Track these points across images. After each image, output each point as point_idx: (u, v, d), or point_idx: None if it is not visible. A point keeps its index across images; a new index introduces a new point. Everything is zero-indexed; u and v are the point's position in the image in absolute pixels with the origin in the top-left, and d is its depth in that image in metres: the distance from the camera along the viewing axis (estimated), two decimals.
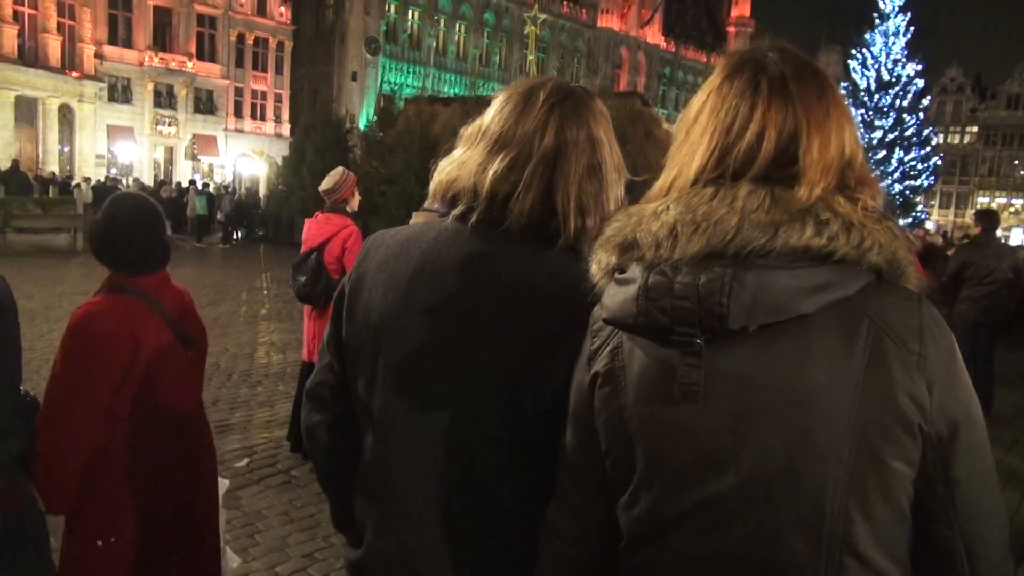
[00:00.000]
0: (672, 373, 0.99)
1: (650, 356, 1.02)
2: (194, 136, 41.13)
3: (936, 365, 0.94)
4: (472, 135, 1.33)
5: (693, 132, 1.07)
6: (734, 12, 70.65)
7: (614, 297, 1.05)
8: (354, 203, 5.00)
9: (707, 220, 0.97)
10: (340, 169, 4.99)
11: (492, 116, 1.31)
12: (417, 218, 6.52)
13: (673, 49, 65.75)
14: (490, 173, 1.25)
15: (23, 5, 33.90)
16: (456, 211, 1.30)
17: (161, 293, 2.17)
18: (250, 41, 43.02)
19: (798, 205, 0.96)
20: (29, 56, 34.08)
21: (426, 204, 6.52)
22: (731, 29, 70.75)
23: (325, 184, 4.89)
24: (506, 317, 1.21)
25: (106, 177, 27.25)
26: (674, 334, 0.98)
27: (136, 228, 2.12)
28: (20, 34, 33.71)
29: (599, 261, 1.09)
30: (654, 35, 62.76)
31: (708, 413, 0.97)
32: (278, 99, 45.09)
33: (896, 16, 38.30)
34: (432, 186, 1.34)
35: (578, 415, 1.12)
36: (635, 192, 1.40)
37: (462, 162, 1.31)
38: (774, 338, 0.94)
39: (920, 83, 38.61)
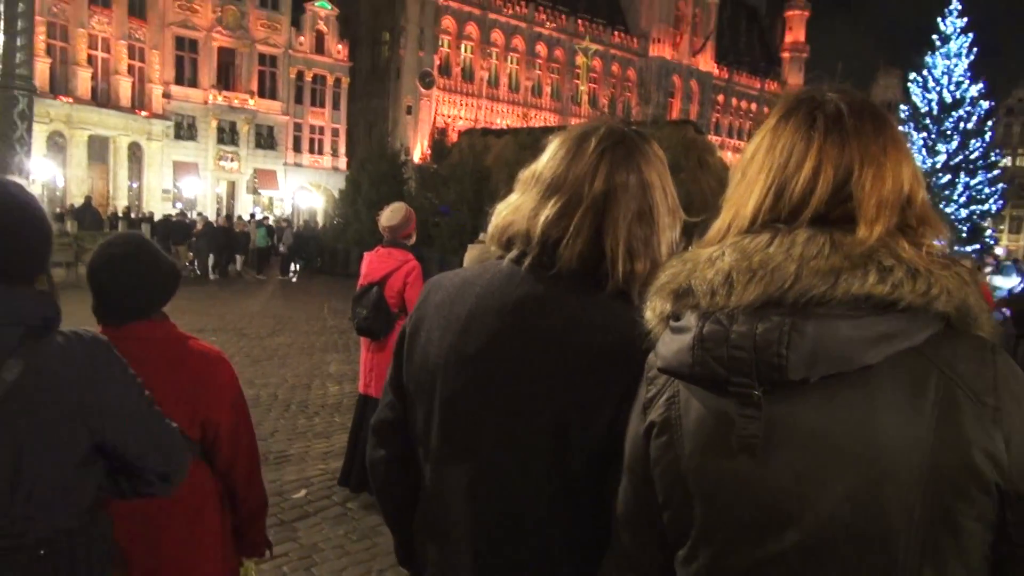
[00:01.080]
0: (730, 424, 0.96)
1: (707, 406, 0.99)
2: (255, 171, 42.42)
3: (1013, 419, 0.89)
4: (527, 180, 1.35)
5: (750, 171, 1.06)
6: (788, 38, 70.06)
7: (669, 345, 1.03)
8: (413, 237, 5.07)
9: (764, 267, 0.95)
10: (402, 205, 5.03)
11: (545, 161, 1.34)
12: (472, 251, 6.60)
13: (726, 76, 65.42)
14: (542, 218, 1.27)
15: (96, 49, 35.69)
16: (510, 254, 1.32)
17: (123, 348, 1.88)
18: (309, 78, 44.35)
19: (859, 249, 0.93)
20: (102, 97, 35.78)
21: (482, 236, 6.58)
22: (785, 55, 70.14)
23: (389, 220, 4.91)
24: (555, 361, 1.22)
25: (178, 213, 28.19)
26: (731, 384, 0.95)
27: (96, 272, 1.92)
28: (93, 77, 35.47)
29: (654, 308, 1.08)
30: (706, 62, 62.57)
31: (769, 467, 0.94)
32: (335, 133, 46.25)
33: (958, 38, 37.43)
34: (489, 229, 1.38)
35: (634, 466, 1.10)
36: (691, 234, 1.39)
37: (517, 207, 1.33)
38: (837, 390, 0.91)
39: (985, 105, 37.52)
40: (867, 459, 0.89)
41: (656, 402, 1.07)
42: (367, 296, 4.90)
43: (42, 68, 30.66)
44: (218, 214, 34.34)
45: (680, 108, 58.91)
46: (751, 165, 1.06)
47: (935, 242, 0.98)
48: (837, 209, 0.98)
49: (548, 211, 1.27)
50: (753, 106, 66.73)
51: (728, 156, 45.43)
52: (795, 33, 69.84)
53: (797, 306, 0.92)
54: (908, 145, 1.05)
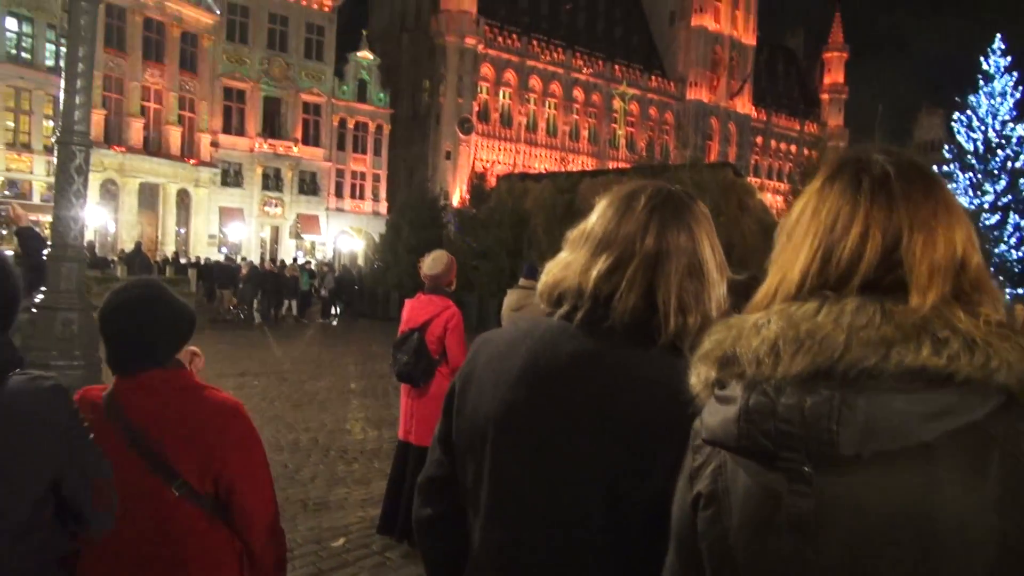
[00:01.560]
0: (778, 500, 0.92)
1: (755, 480, 0.96)
2: (298, 215, 43.34)
3: None
4: (577, 238, 1.37)
5: (795, 234, 1.03)
6: (827, 79, 69.93)
7: (714, 415, 1.00)
8: (454, 284, 5.09)
9: (812, 337, 0.91)
10: (443, 253, 5.06)
11: (595, 219, 1.36)
12: (511, 296, 6.60)
13: (764, 118, 65.39)
14: (593, 273, 1.29)
15: (149, 100, 37.10)
16: (561, 310, 1.33)
17: (133, 398, 1.85)
18: (351, 125, 45.46)
19: (911, 319, 0.90)
20: (153, 146, 37.07)
21: (522, 281, 6.60)
22: (824, 96, 69.95)
23: (431, 268, 4.95)
24: (607, 419, 1.22)
25: (224, 257, 28.84)
26: (779, 459, 0.92)
27: (105, 320, 1.88)
28: (146, 127, 36.83)
29: (698, 374, 1.05)
30: (744, 105, 62.67)
31: (820, 546, 0.89)
32: (376, 179, 47.15)
33: (1002, 76, 36.98)
34: (539, 287, 1.39)
35: (681, 536, 1.07)
36: (737, 291, 1.37)
37: (567, 263, 1.35)
38: (892, 466, 0.86)
39: None
40: (925, 539, 0.85)
41: (703, 472, 1.03)
42: (408, 342, 4.91)
43: (97, 120, 31.92)
44: (262, 258, 35.08)
45: (718, 151, 58.96)
46: (797, 228, 1.03)
47: (993, 313, 0.94)
48: (887, 276, 0.95)
49: (600, 266, 1.29)
50: (793, 148, 66.43)
51: (768, 198, 45.15)
52: (834, 75, 69.69)
53: (847, 378, 0.89)
54: (960, 207, 1.02)
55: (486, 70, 49.96)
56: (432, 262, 4.96)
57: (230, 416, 1.91)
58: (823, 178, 1.04)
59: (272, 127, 42.34)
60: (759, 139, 65.47)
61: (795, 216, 1.05)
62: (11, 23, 32.33)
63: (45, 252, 3.64)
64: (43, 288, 3.67)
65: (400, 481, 5.02)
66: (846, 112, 69.65)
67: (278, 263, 25.82)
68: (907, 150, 1.05)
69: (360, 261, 40.93)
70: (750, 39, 63.32)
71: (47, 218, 30.89)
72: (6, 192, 32.38)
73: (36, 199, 33.01)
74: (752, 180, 44.35)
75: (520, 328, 1.39)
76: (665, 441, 1.16)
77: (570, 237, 1.39)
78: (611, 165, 47.66)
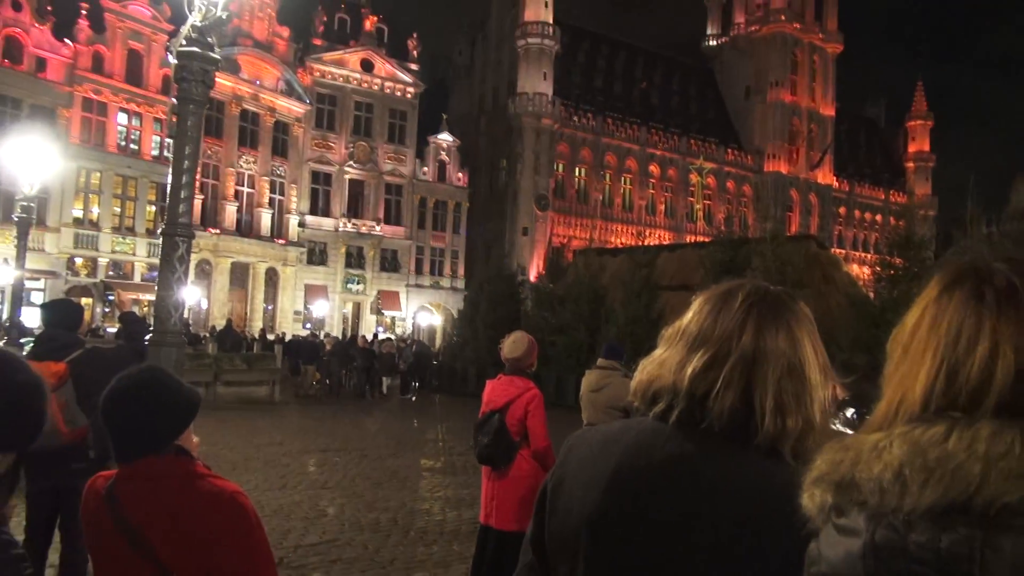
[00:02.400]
0: None
1: None
2: (379, 292, 44.48)
3: None
4: (672, 335, 1.35)
5: (913, 348, 0.96)
6: (912, 147, 68.31)
7: (835, 548, 0.93)
8: (535, 365, 5.06)
9: (942, 466, 0.84)
10: (524, 336, 5.04)
11: (691, 317, 1.34)
12: (590, 376, 6.52)
13: (847, 188, 64.07)
14: (689, 370, 1.25)
15: (243, 185, 39.25)
16: (656, 409, 1.30)
17: (128, 489, 1.82)
18: (431, 204, 46.87)
19: None
20: (245, 227, 39.00)
21: (600, 361, 6.51)
22: (910, 165, 68.22)
23: (512, 351, 4.93)
24: (703, 524, 1.18)
25: (309, 333, 29.67)
26: None
27: (104, 408, 1.86)
28: (239, 210, 38.88)
29: (812, 497, 0.98)
30: (825, 175, 61.67)
31: None
32: (455, 255, 48.15)
33: None
34: (633, 385, 1.36)
35: None
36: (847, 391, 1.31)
37: (661, 361, 1.32)
38: None
39: None
40: None
41: None
42: (489, 424, 4.88)
43: (195, 205, 33.85)
44: (343, 334, 35.93)
45: (800, 222, 57.88)
46: (914, 341, 0.97)
47: None
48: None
49: (696, 363, 1.25)
50: (878, 217, 64.68)
51: (855, 269, 43.80)
52: (919, 143, 68.05)
53: (987, 515, 0.81)
54: None
55: (562, 148, 50.94)
56: (513, 344, 4.94)
57: (227, 508, 1.83)
58: (939, 288, 0.97)
59: (356, 207, 44.03)
60: (842, 209, 64.03)
61: (910, 327, 0.99)
62: (122, 118, 35.00)
63: (147, 336, 3.84)
64: None
65: (481, 566, 4.91)
66: (934, 180, 67.64)
67: (370, 338, 26.22)
68: None
69: (438, 336, 41.51)
70: (829, 110, 62.75)
71: (146, 296, 32.69)
72: (110, 272, 34.46)
73: (137, 278, 35.00)
74: (836, 251, 43.25)
75: (613, 429, 1.37)
76: (762, 555, 1.12)
77: (665, 335, 1.36)
78: (689, 239, 47.39)
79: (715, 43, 64.84)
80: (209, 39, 3.49)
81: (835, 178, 62.74)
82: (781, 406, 1.21)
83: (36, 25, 32.16)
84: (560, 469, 1.39)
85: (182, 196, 3.49)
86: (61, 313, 4.33)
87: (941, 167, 68.61)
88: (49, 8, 32.65)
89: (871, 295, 18.33)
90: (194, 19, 3.46)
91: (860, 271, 45.03)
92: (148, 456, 1.82)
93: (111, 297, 32.31)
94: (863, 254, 61.51)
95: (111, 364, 4.23)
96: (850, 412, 2.96)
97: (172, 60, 3.53)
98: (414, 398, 23.75)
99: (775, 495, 1.12)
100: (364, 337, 26.74)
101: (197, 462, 1.91)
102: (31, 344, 4.98)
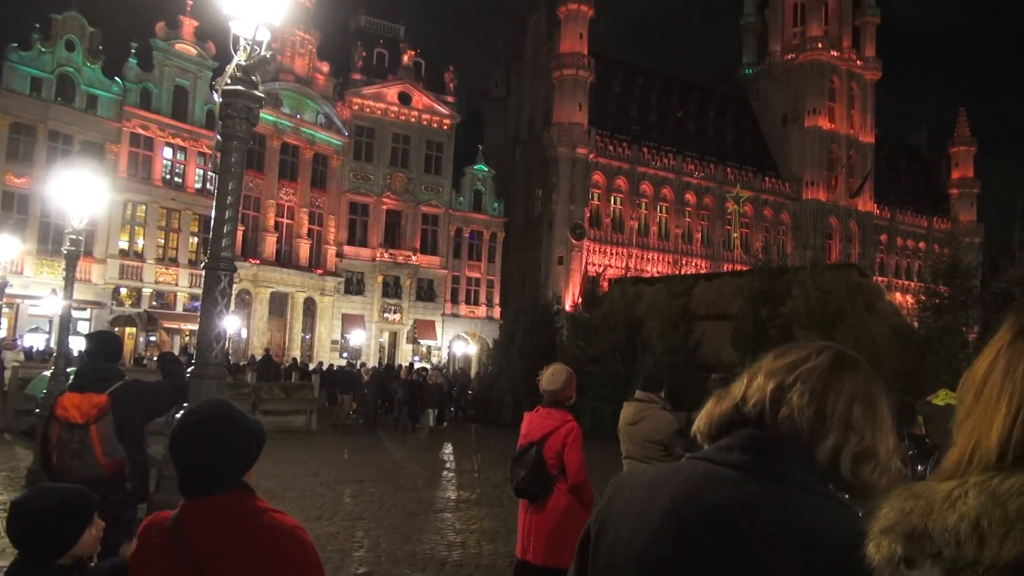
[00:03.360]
0: None
1: None
2: (415, 321, 44.74)
3: None
4: (753, 371, 1.35)
5: (985, 395, 0.93)
6: (955, 173, 67.00)
7: None
8: (574, 398, 5.01)
9: (1023, 519, 0.81)
10: (563, 368, 4.99)
11: (771, 359, 1.35)
12: (628, 408, 6.45)
13: (888, 215, 62.99)
14: (764, 383, 1.28)
15: (282, 216, 39.98)
16: (708, 448, 1.29)
17: (194, 525, 1.85)
18: (467, 234, 47.20)
19: None
20: (284, 258, 39.66)
21: (638, 393, 6.43)
22: (954, 191, 66.90)
23: (550, 383, 4.88)
24: (759, 571, 1.15)
25: (347, 363, 29.86)
26: None
27: (173, 444, 1.90)
28: (278, 240, 39.57)
29: (879, 547, 0.95)
30: (866, 203, 60.76)
31: None
32: (490, 285, 48.29)
33: None
34: (698, 423, 1.36)
35: None
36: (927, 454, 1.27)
37: (724, 396, 1.34)
38: None
39: None
40: None
41: None
42: (526, 456, 4.83)
43: (236, 236, 34.61)
44: (380, 363, 36.13)
45: (840, 250, 57.02)
46: (987, 387, 0.94)
47: None
48: None
49: (764, 386, 1.27)
50: (922, 245, 63.34)
51: (897, 297, 42.91)
52: (962, 169, 66.75)
53: None
54: None
55: (597, 177, 51.02)
56: (552, 376, 4.90)
57: (288, 543, 1.87)
58: (1013, 333, 0.95)
59: (393, 237, 44.51)
60: (883, 237, 62.91)
61: (982, 373, 0.95)
62: (168, 152, 36.00)
63: (187, 373, 3.90)
64: (185, 404, 3.89)
65: None
66: (978, 206, 66.23)
67: (407, 367, 25.97)
68: None
69: (473, 365, 41.50)
70: (868, 137, 62.01)
71: (188, 326, 33.30)
72: (154, 302, 35.21)
73: (179, 308, 35.68)
74: (878, 279, 42.43)
75: (662, 471, 1.35)
76: None
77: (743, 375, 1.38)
78: (726, 267, 46.90)
79: (751, 71, 64.69)
80: (253, 78, 3.58)
81: (876, 205, 61.78)
82: (848, 419, 1.22)
83: (88, 64, 33.35)
84: (604, 511, 1.36)
85: (225, 231, 3.55)
86: (102, 345, 4.42)
87: (986, 194, 67.35)
88: (101, 48, 33.86)
89: (915, 324, 17.91)
90: (239, 58, 3.56)
91: (903, 300, 44.09)
92: (214, 493, 1.86)
93: (152, 339, 33.02)
94: (906, 282, 60.24)
95: (146, 400, 4.29)
96: None
97: (217, 98, 3.63)
98: (447, 426, 23.63)
99: (835, 544, 1.09)
100: (406, 366, 26.42)
101: (258, 497, 1.95)
102: (73, 375, 5.09)
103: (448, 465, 15.23)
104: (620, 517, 1.32)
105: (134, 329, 34.86)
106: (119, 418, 3.99)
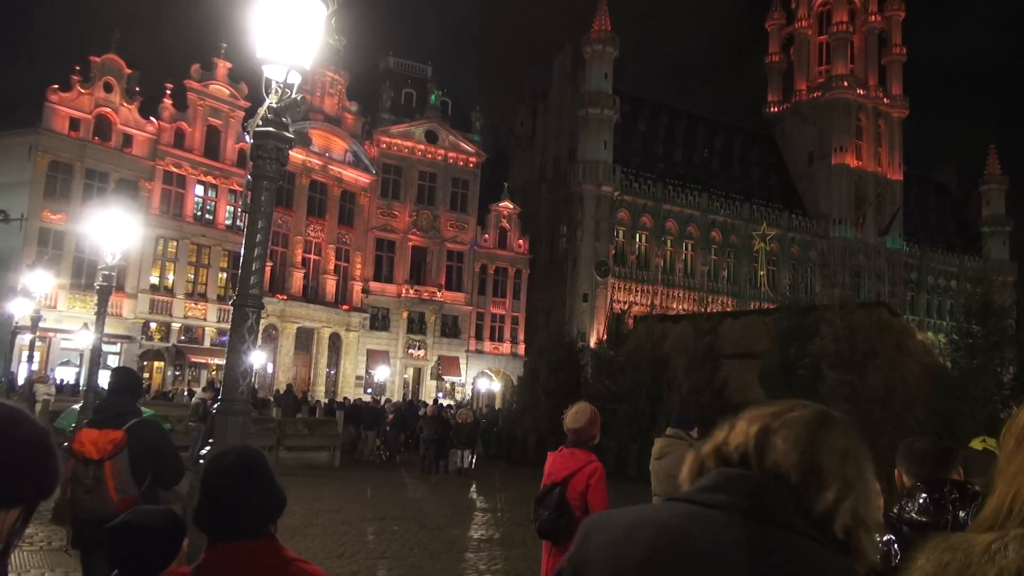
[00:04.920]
0: None
1: None
2: (439, 357, 44.74)
3: None
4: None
5: None
6: (986, 211, 66.07)
7: None
8: (598, 437, 4.96)
9: None
10: (587, 407, 4.95)
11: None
12: (657, 443, 6.37)
13: (918, 253, 62.18)
14: (752, 429, 1.23)
15: (310, 253, 40.45)
16: (689, 490, 1.24)
17: (216, 573, 1.82)
18: (491, 271, 47.33)
19: None
20: (311, 294, 40.01)
21: (669, 430, 6.35)
22: (985, 229, 65.88)
23: (574, 422, 4.84)
24: None
25: (371, 399, 29.87)
26: None
27: (204, 487, 1.88)
28: (305, 276, 39.97)
29: None
30: (895, 240, 60.06)
31: None
32: (515, 321, 48.23)
33: None
34: (679, 478, 1.32)
35: None
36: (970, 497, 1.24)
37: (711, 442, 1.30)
38: None
39: None
40: None
41: None
42: (549, 497, 4.77)
43: (264, 273, 35.11)
44: (404, 398, 36.08)
45: (869, 288, 56.25)
46: None
47: None
48: None
49: (751, 428, 1.23)
50: (953, 283, 62.29)
51: (929, 336, 42.13)
52: (993, 207, 65.83)
53: None
54: None
55: (622, 214, 51.07)
56: (575, 415, 4.85)
57: None
58: None
59: (418, 274, 44.78)
60: (914, 275, 62.05)
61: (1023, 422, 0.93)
62: (199, 189, 36.72)
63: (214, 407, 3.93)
64: (211, 441, 3.91)
65: None
66: (1012, 244, 65.13)
67: (431, 403, 25.72)
68: None
69: (497, 402, 41.30)
70: (896, 174, 61.58)
71: (216, 360, 33.60)
72: (182, 337, 35.62)
73: (207, 343, 36.06)
74: (908, 318, 41.75)
75: (640, 514, 1.28)
76: None
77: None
78: (752, 305, 46.50)
79: (776, 110, 64.77)
80: (284, 119, 3.66)
81: (905, 243, 61.08)
82: (844, 475, 1.17)
83: (125, 104, 34.28)
84: (578, 554, 1.29)
85: (253, 268, 3.60)
86: (123, 381, 4.45)
87: (1019, 231, 66.17)
88: (137, 88, 34.82)
89: (947, 364, 17.55)
90: (270, 100, 3.65)
91: (935, 339, 43.28)
92: (241, 540, 1.82)
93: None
94: (937, 321, 59.24)
95: (157, 441, 4.29)
96: (922, 498, 2.84)
97: (248, 139, 3.71)
98: (471, 466, 23.40)
99: None
100: (432, 403, 26.04)
101: (285, 546, 1.92)
102: (93, 410, 5.12)
103: (471, 503, 15.08)
104: (596, 561, 1.25)
105: (162, 363, 35.25)
106: (135, 453, 4.00)
